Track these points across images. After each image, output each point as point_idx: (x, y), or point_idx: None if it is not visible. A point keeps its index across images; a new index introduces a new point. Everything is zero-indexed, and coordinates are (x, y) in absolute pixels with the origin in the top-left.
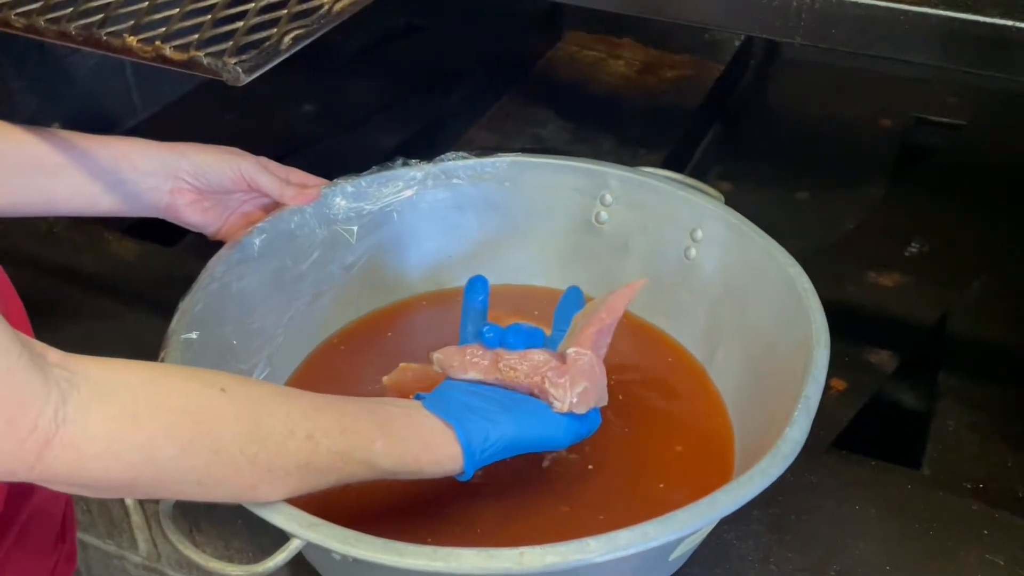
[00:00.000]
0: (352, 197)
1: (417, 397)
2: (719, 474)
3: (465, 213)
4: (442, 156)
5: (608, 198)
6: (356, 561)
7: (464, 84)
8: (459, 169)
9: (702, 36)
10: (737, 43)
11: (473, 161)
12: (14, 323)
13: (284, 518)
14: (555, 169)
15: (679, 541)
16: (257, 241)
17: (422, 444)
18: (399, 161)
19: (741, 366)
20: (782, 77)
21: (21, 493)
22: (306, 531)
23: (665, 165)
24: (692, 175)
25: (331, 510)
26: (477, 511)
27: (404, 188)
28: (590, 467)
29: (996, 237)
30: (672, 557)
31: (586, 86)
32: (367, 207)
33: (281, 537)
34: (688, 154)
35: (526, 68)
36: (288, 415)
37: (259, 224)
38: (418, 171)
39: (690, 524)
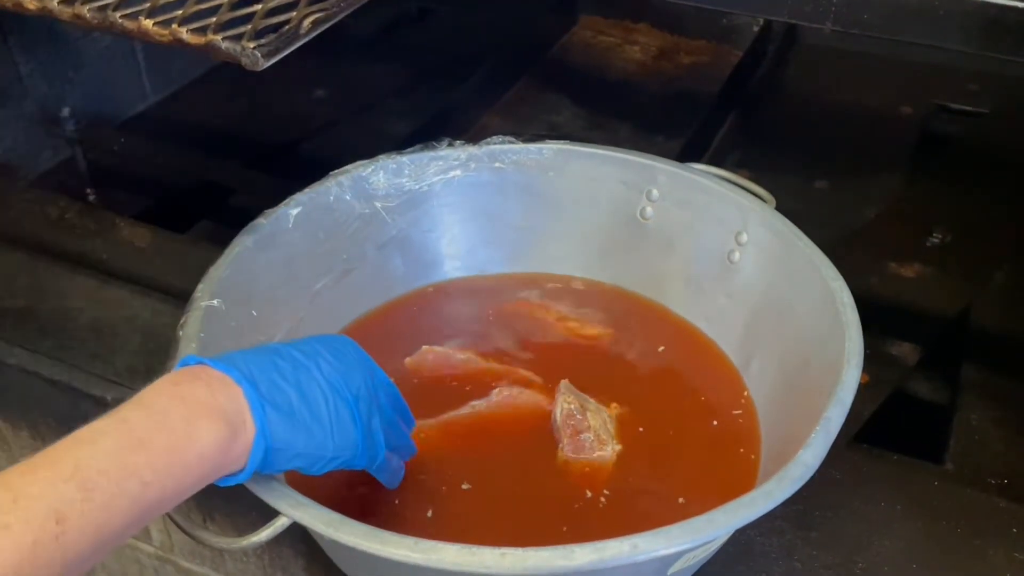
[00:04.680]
0: (393, 173)
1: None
2: (742, 483)
3: (507, 198)
4: (488, 139)
5: (655, 193)
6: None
7: (478, 70)
8: (503, 153)
9: (719, 21)
10: (755, 28)
11: (519, 146)
12: None
13: (274, 497)
14: (602, 160)
15: (677, 556)
16: (293, 213)
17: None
18: (445, 141)
19: (775, 377)
20: (801, 63)
21: None
22: (294, 510)
23: (683, 152)
24: (710, 163)
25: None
26: (491, 502)
27: (447, 168)
28: (612, 463)
29: (1019, 227)
30: (672, 571)
31: (602, 72)
32: (407, 185)
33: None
34: (706, 141)
35: (541, 53)
36: None
37: (297, 196)
38: (462, 152)
39: (681, 540)
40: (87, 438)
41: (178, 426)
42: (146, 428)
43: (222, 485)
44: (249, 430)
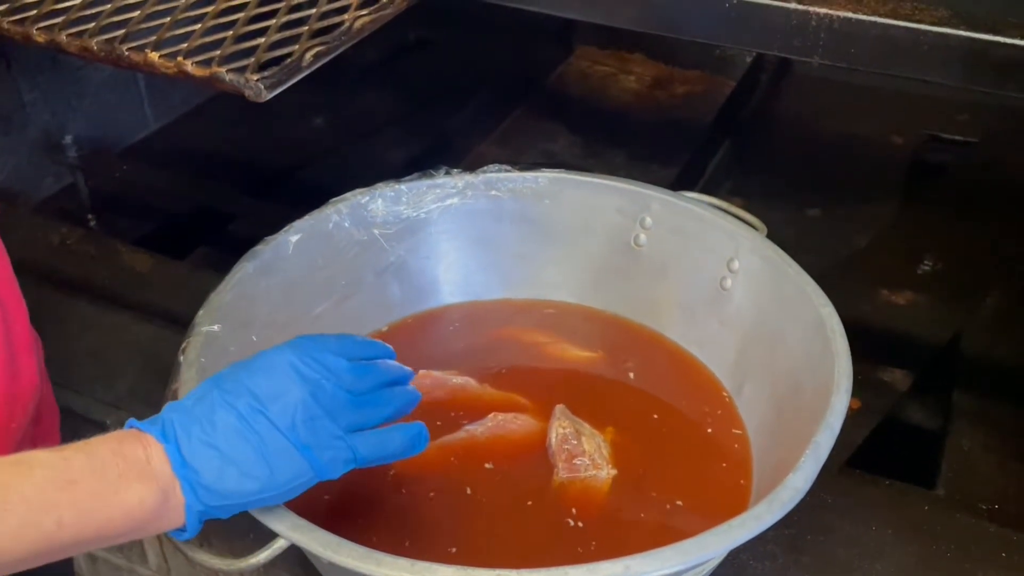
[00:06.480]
0: (391, 201)
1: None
2: (734, 506)
3: (503, 226)
4: (484, 168)
5: (648, 221)
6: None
7: (475, 99)
8: (500, 181)
9: (713, 52)
10: (748, 59)
11: (515, 175)
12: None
13: (273, 519)
14: (596, 188)
15: None
16: (293, 239)
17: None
18: (442, 169)
19: (767, 402)
20: (793, 93)
21: None
22: (292, 532)
23: (677, 181)
24: (704, 190)
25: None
26: (486, 525)
27: (444, 196)
28: (607, 487)
29: (1008, 255)
30: None
31: (597, 101)
32: (405, 212)
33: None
34: (700, 170)
35: (537, 83)
36: None
37: (297, 223)
38: (459, 180)
39: (672, 562)
40: (27, 461)
41: (111, 479)
42: (81, 472)
43: (175, 537)
44: (179, 492)
